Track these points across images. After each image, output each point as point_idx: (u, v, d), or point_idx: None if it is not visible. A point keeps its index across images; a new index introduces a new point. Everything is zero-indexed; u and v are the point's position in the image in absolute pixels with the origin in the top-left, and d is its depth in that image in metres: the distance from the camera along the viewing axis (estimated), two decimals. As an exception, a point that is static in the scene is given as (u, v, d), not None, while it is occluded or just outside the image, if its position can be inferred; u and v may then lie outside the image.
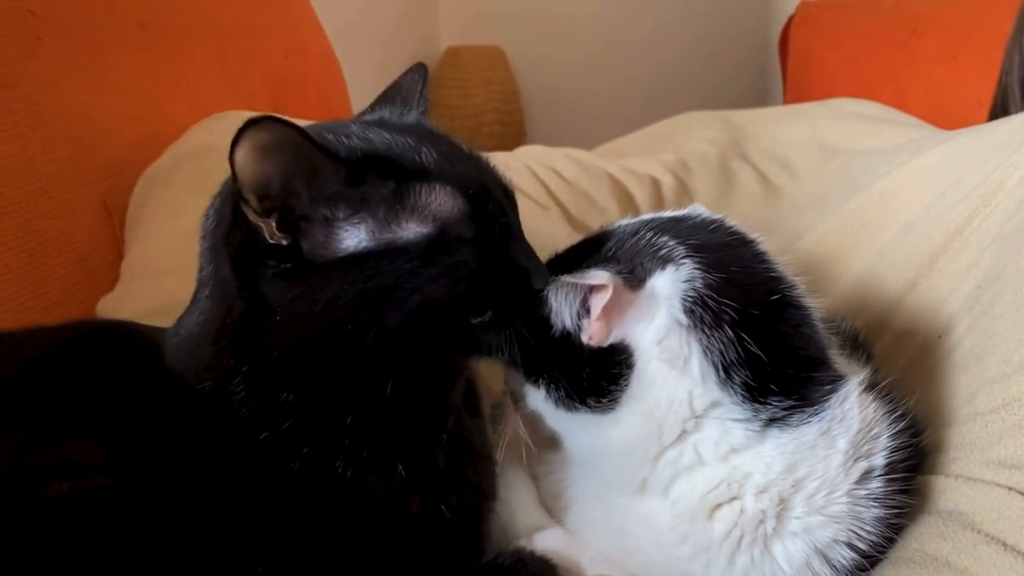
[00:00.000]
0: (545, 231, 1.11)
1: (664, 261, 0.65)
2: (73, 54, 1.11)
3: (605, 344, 0.65)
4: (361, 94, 1.98)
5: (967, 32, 1.75)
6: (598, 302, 0.63)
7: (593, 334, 0.64)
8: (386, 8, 2.71)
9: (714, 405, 0.64)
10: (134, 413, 0.60)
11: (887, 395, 0.69)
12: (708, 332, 0.62)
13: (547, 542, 0.72)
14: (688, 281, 0.63)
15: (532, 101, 3.15)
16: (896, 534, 0.66)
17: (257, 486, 0.59)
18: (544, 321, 0.66)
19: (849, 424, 0.65)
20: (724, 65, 3.17)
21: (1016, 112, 1.24)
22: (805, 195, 1.30)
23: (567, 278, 0.65)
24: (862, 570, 0.65)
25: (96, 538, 0.53)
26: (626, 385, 0.64)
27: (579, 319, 0.65)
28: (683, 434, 0.65)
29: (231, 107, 1.31)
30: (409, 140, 0.63)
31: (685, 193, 1.39)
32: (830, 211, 1.10)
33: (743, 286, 0.64)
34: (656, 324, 0.63)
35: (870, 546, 0.65)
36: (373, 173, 0.59)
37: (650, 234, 0.67)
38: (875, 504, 0.65)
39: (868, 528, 0.64)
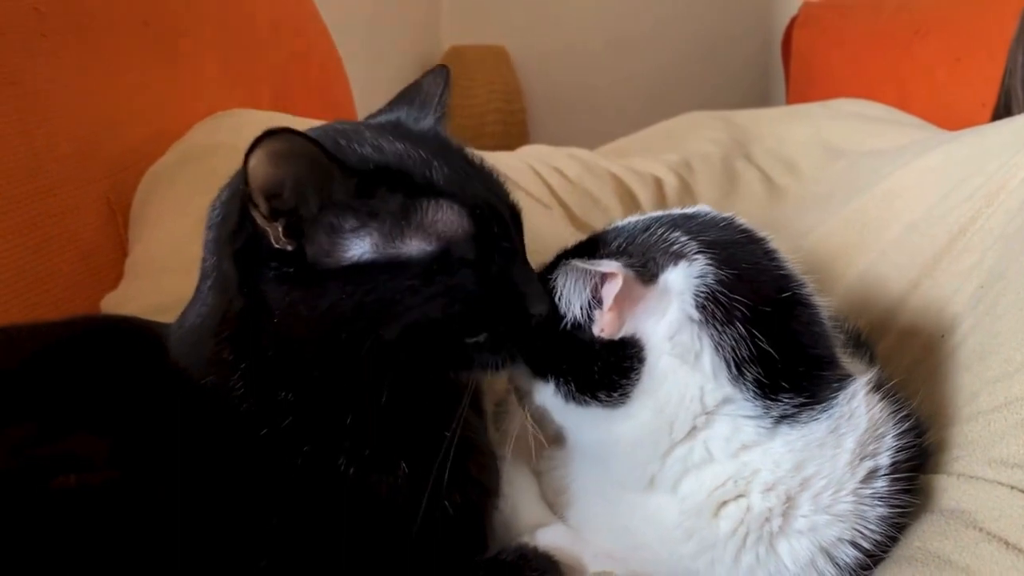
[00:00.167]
0: (548, 230, 1.12)
1: (677, 257, 0.65)
2: (77, 52, 1.11)
3: (616, 337, 0.65)
4: (364, 93, 1.98)
5: (970, 33, 1.75)
6: (610, 292, 0.63)
7: (605, 326, 0.64)
8: (389, 7, 2.71)
9: (726, 401, 0.64)
10: (139, 407, 0.60)
11: (893, 395, 0.69)
12: (720, 328, 0.63)
13: (550, 538, 0.72)
14: (700, 277, 0.64)
15: (535, 101, 3.15)
16: (899, 533, 0.66)
17: (261, 481, 0.60)
18: (553, 314, 0.66)
19: (856, 423, 0.65)
20: (727, 65, 3.17)
21: (1019, 113, 1.25)
22: (808, 195, 1.30)
23: (577, 262, 0.65)
24: (865, 568, 0.65)
25: (103, 530, 0.53)
26: (637, 379, 0.64)
27: (591, 310, 0.65)
28: (693, 430, 0.65)
29: (235, 105, 1.31)
30: (421, 152, 0.63)
31: (688, 193, 1.39)
32: (833, 211, 1.10)
33: (754, 283, 0.65)
34: (668, 319, 0.64)
35: (874, 545, 0.65)
36: (383, 186, 0.59)
37: (662, 230, 0.68)
38: (879, 503, 0.65)
39: (872, 527, 0.65)
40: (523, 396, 0.72)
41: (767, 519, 0.64)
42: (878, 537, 0.65)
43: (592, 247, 0.70)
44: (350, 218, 0.58)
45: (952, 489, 0.67)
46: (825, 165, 1.37)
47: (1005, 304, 0.73)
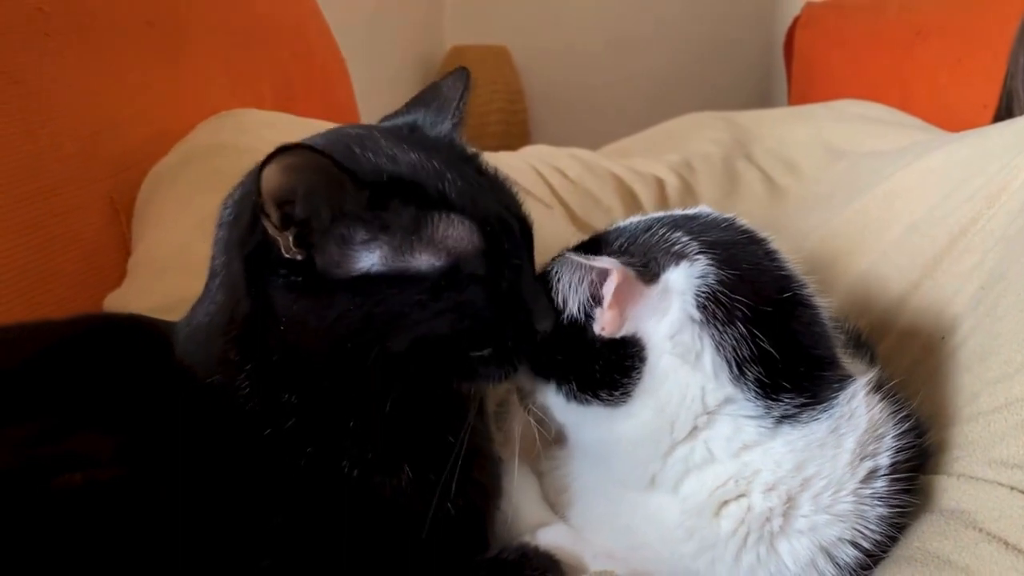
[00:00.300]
0: (549, 230, 1.12)
1: (678, 257, 0.65)
2: (81, 51, 1.11)
3: (617, 336, 0.65)
4: (366, 93, 1.99)
5: (972, 35, 1.75)
6: (609, 289, 0.63)
7: (606, 324, 0.65)
8: (391, 7, 2.71)
9: (727, 401, 0.64)
10: (144, 404, 0.60)
11: (893, 395, 0.69)
12: (721, 328, 0.63)
13: (551, 538, 0.72)
14: (702, 277, 0.64)
15: (537, 101, 3.15)
16: (899, 533, 0.67)
17: (264, 480, 0.60)
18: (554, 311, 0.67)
19: (857, 423, 0.65)
20: (729, 66, 3.17)
21: (1021, 114, 1.24)
22: (809, 196, 1.30)
23: (572, 255, 0.65)
24: (865, 568, 0.66)
25: (108, 528, 0.53)
26: (639, 378, 0.65)
27: (590, 308, 0.66)
28: (695, 430, 0.65)
29: (238, 105, 1.32)
30: (435, 163, 0.63)
31: (689, 193, 1.39)
32: (834, 212, 1.10)
33: (755, 283, 0.65)
34: (669, 319, 0.64)
35: (874, 545, 0.65)
36: (395, 198, 0.59)
37: (663, 230, 0.68)
38: (879, 503, 0.65)
39: (872, 527, 0.65)
40: (525, 395, 0.72)
41: (768, 519, 0.64)
42: (878, 537, 0.65)
43: (594, 246, 0.70)
44: (361, 230, 0.58)
45: (952, 489, 0.67)
46: (826, 166, 1.38)
47: (1006, 305, 0.73)
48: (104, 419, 0.58)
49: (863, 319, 0.91)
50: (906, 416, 0.68)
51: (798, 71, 2.38)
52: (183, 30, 1.35)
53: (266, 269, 0.59)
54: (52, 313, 0.99)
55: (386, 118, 0.76)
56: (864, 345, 0.81)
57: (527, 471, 0.77)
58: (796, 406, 0.64)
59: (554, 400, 0.69)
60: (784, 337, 0.64)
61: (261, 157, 0.55)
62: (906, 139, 1.35)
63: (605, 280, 0.64)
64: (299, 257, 0.58)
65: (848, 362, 0.71)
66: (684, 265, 0.65)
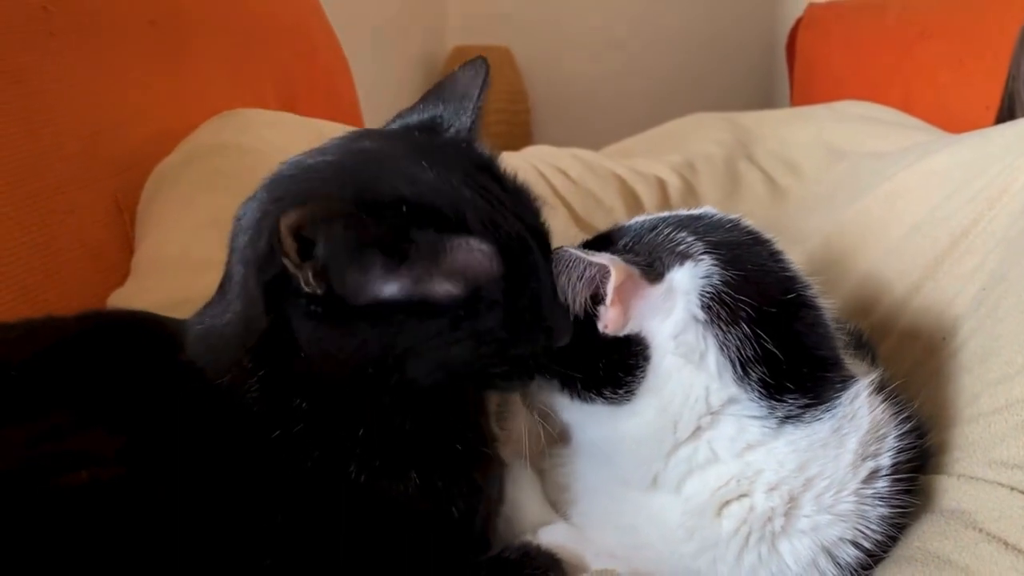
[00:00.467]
0: (551, 230, 1.12)
1: (683, 257, 0.66)
2: (84, 51, 1.11)
3: (621, 334, 0.65)
4: (369, 93, 1.99)
5: (974, 36, 1.75)
6: (610, 286, 0.63)
7: (610, 322, 0.65)
8: (394, 7, 2.72)
9: (731, 401, 0.64)
10: (150, 403, 0.60)
11: (894, 396, 0.70)
12: (725, 328, 0.63)
13: (552, 537, 0.72)
14: (706, 277, 0.64)
15: (539, 101, 3.15)
16: (900, 533, 0.67)
17: (268, 481, 0.60)
18: None
19: (859, 424, 0.66)
20: (731, 67, 3.18)
21: (1022, 116, 1.25)
22: (810, 196, 1.30)
23: (570, 249, 0.65)
24: (866, 568, 0.66)
25: (113, 525, 0.53)
26: (642, 377, 0.65)
27: (594, 305, 0.66)
28: (698, 430, 0.65)
29: (241, 105, 1.32)
30: (454, 181, 0.61)
31: (691, 194, 1.40)
32: (836, 212, 1.10)
33: (760, 284, 0.65)
34: (673, 319, 0.64)
35: (875, 544, 0.65)
36: (415, 227, 0.58)
37: (668, 230, 0.68)
38: (881, 503, 0.65)
39: (873, 527, 0.65)
40: (529, 393, 0.72)
41: (770, 519, 0.65)
42: (879, 537, 0.65)
43: (599, 246, 0.70)
44: (380, 262, 0.57)
45: (952, 490, 0.67)
46: (827, 166, 1.38)
47: (1006, 307, 0.73)
48: (110, 416, 0.58)
49: (865, 320, 0.91)
50: (908, 417, 0.68)
51: (800, 72, 2.38)
52: (186, 29, 1.35)
53: (286, 296, 0.59)
54: (57, 311, 0.99)
55: (403, 113, 0.74)
56: (866, 346, 0.81)
57: (528, 470, 0.78)
58: (799, 406, 0.64)
59: (558, 398, 0.69)
60: (788, 338, 0.65)
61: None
62: (908, 140, 1.35)
63: (606, 277, 0.64)
64: (319, 291, 0.57)
65: (851, 363, 0.71)
66: (689, 265, 0.65)
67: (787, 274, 0.68)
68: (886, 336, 0.90)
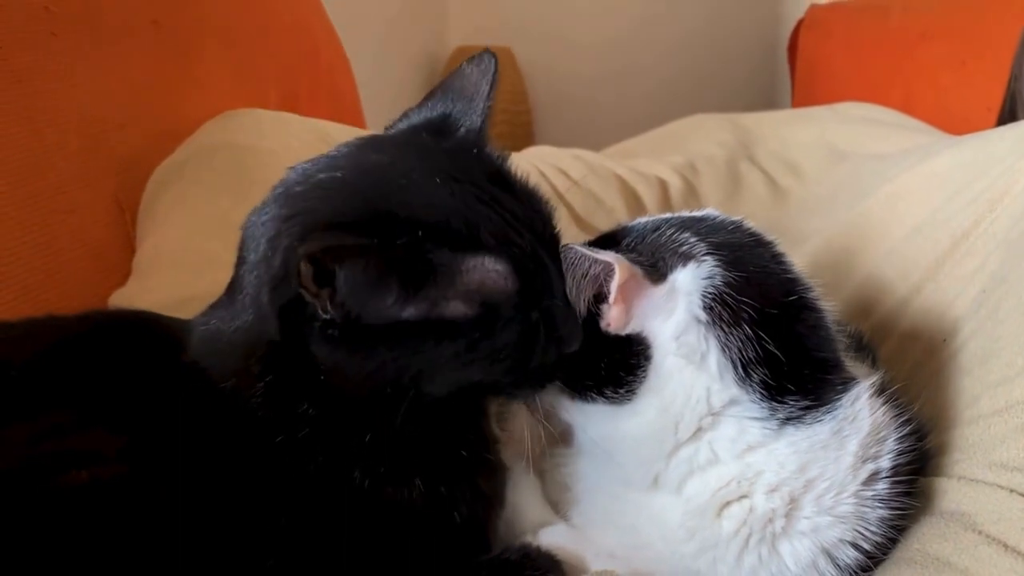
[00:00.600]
0: (562, 234, 1.12)
1: (685, 258, 0.66)
2: (87, 50, 1.12)
3: (623, 333, 0.65)
4: (371, 93, 1.99)
5: (976, 37, 1.75)
6: (614, 284, 0.64)
7: (612, 320, 0.65)
8: (395, 8, 2.72)
9: (732, 402, 0.64)
10: (153, 403, 0.60)
11: (895, 398, 0.70)
12: (726, 329, 0.63)
13: (552, 538, 0.72)
14: (708, 278, 0.64)
15: (541, 102, 3.15)
16: (899, 535, 0.67)
17: (271, 484, 0.60)
18: None
19: (860, 426, 0.66)
20: (733, 68, 3.17)
21: (1024, 118, 1.25)
22: (811, 197, 1.30)
23: (577, 246, 0.65)
24: (865, 570, 0.66)
25: (113, 525, 0.53)
26: (644, 377, 0.65)
27: (597, 304, 0.66)
28: (699, 431, 0.65)
29: (243, 104, 1.32)
30: (467, 197, 0.61)
31: (692, 195, 1.40)
32: (837, 214, 1.11)
33: (761, 286, 0.65)
34: (675, 319, 0.64)
35: (874, 546, 0.65)
36: (430, 250, 0.57)
37: (671, 231, 0.68)
38: (880, 505, 0.65)
39: (873, 529, 0.65)
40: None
41: (770, 520, 0.65)
42: (878, 539, 0.65)
43: (602, 245, 0.70)
44: (396, 289, 0.57)
45: (952, 492, 0.67)
46: (829, 168, 1.38)
47: (1007, 309, 0.73)
48: (112, 416, 0.58)
49: (865, 321, 0.91)
50: (908, 419, 0.69)
51: (802, 73, 2.38)
52: (188, 29, 1.35)
53: (302, 319, 0.58)
54: (58, 311, 0.99)
55: (409, 112, 0.73)
56: (866, 347, 0.81)
57: (529, 472, 0.78)
58: (800, 408, 0.65)
59: (559, 398, 0.69)
60: (789, 340, 0.65)
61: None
62: (909, 142, 1.35)
63: (610, 276, 0.64)
64: (337, 319, 0.57)
65: (851, 365, 0.71)
66: (691, 266, 0.65)
67: (789, 276, 0.68)
68: (887, 338, 0.90)
